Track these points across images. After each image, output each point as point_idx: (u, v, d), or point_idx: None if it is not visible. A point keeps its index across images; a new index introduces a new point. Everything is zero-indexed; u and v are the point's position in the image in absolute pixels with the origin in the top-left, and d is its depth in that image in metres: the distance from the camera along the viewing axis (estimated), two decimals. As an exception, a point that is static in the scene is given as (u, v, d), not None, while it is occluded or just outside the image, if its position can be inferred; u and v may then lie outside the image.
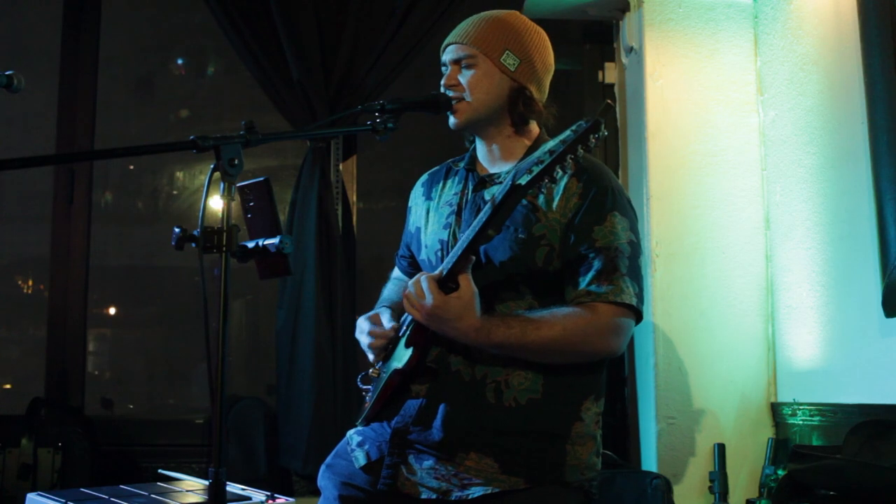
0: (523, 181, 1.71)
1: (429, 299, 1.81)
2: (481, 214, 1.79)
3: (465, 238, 1.81)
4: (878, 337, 2.57)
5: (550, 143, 1.71)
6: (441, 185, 2.16)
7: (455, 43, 2.01)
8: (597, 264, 1.87)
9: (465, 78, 1.99)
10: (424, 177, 2.25)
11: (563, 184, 1.92)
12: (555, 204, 1.91)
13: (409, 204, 2.25)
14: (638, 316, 1.92)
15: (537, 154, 1.72)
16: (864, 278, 2.58)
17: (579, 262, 1.89)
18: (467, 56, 1.99)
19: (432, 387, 1.93)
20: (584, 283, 1.87)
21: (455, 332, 1.83)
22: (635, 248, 1.92)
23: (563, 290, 1.92)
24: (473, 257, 1.83)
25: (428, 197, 2.18)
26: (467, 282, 1.82)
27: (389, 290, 2.28)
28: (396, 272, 2.34)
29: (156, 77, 4.07)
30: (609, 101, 1.78)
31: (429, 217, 2.13)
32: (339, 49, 3.31)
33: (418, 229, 2.16)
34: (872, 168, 2.49)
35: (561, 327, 1.84)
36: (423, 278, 1.84)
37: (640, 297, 1.90)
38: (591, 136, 1.68)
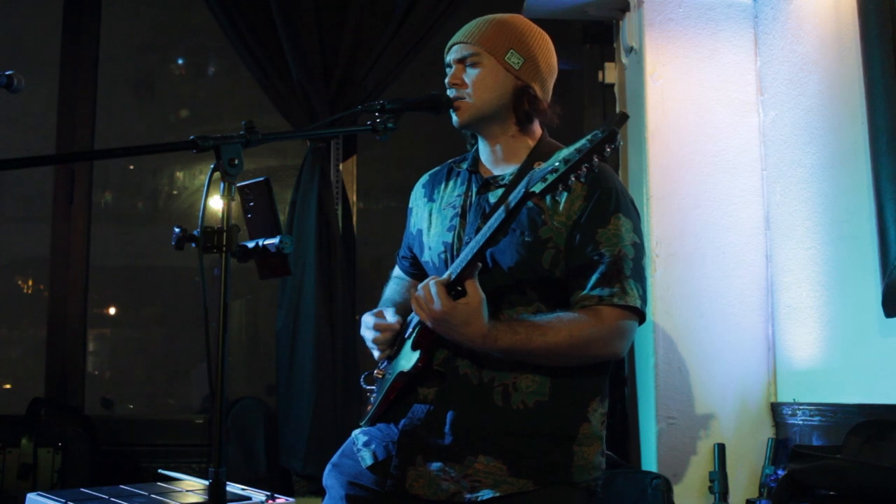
0: (537, 189, 1.70)
1: (437, 304, 1.81)
2: (492, 220, 1.78)
3: (474, 243, 1.81)
4: (878, 337, 2.57)
5: (565, 152, 1.69)
6: (443, 186, 2.15)
7: (459, 42, 2.02)
8: (601, 268, 1.87)
9: (469, 77, 1.99)
10: (425, 178, 2.24)
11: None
12: (561, 206, 1.92)
13: (410, 205, 2.25)
14: (641, 317, 1.93)
15: (551, 162, 1.70)
16: (864, 278, 2.58)
17: (584, 266, 1.89)
18: (471, 54, 1.99)
19: (440, 391, 1.94)
20: (588, 286, 1.88)
21: (462, 337, 1.84)
22: (639, 250, 1.93)
23: (566, 290, 1.92)
24: (480, 264, 1.83)
25: (430, 198, 2.17)
26: (475, 288, 1.82)
27: (391, 291, 2.28)
28: (397, 271, 2.34)
29: (156, 77, 4.07)
30: (625, 111, 1.77)
31: (431, 219, 2.13)
32: (339, 49, 3.31)
33: (420, 231, 2.16)
34: (872, 168, 2.49)
35: (566, 333, 1.84)
36: (431, 283, 1.84)
37: (643, 298, 1.91)
38: (607, 145, 1.67)
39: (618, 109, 3.46)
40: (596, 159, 1.67)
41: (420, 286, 1.88)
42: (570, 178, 1.68)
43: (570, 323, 1.85)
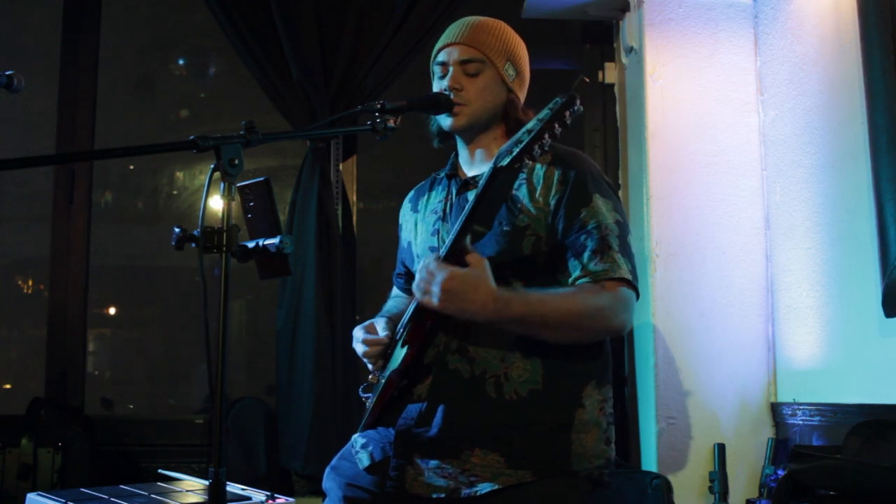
0: (505, 162, 1.71)
1: (441, 275, 1.73)
2: (470, 201, 1.78)
3: (457, 225, 1.78)
4: (878, 337, 2.57)
5: (528, 125, 1.71)
6: (426, 196, 2.18)
7: (461, 44, 2.01)
8: (590, 244, 1.88)
9: (470, 83, 1.99)
10: (411, 193, 2.27)
11: (542, 173, 1.94)
12: (537, 194, 1.93)
13: (399, 221, 2.27)
14: (636, 292, 1.92)
15: (516, 136, 1.73)
16: (864, 278, 2.58)
17: (572, 245, 1.90)
18: (476, 60, 2.00)
19: (432, 388, 1.93)
20: (580, 264, 1.88)
21: (472, 305, 1.74)
22: (623, 227, 1.93)
23: (552, 275, 1.92)
24: (469, 236, 1.79)
25: (415, 210, 2.20)
26: (474, 255, 1.77)
27: (389, 306, 2.29)
28: (395, 291, 2.35)
29: (156, 77, 4.07)
30: (584, 77, 1.77)
31: (417, 229, 2.15)
32: (339, 49, 3.31)
33: (409, 243, 2.18)
34: (872, 168, 2.49)
35: (575, 300, 1.83)
36: (428, 260, 1.78)
37: (634, 273, 1.91)
38: (567, 111, 1.68)
39: (618, 110, 3.46)
40: (558, 126, 1.68)
41: (417, 269, 1.81)
42: (535, 149, 1.69)
43: (577, 292, 1.85)
